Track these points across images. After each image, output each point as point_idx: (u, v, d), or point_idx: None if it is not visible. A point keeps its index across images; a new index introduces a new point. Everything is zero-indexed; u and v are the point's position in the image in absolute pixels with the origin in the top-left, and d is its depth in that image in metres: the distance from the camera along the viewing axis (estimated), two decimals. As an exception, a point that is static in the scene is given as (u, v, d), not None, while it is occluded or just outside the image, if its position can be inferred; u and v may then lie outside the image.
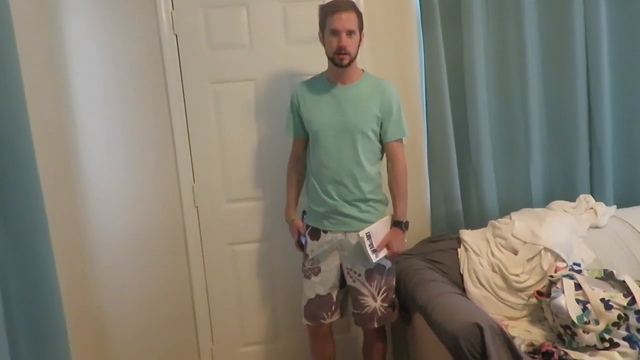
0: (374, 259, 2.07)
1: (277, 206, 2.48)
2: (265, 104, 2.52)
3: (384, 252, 2.10)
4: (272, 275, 2.63)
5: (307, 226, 2.24)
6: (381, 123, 2.11)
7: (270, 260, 2.62)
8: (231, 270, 2.61)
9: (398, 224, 2.14)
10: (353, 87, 2.11)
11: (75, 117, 2.27)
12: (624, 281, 2.03)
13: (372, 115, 2.09)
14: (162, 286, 2.54)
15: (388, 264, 2.18)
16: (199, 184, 2.53)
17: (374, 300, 2.17)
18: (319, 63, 2.19)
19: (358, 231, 2.09)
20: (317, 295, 2.20)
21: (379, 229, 2.11)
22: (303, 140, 2.25)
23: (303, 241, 2.24)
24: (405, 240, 2.18)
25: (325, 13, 2.04)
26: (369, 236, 2.07)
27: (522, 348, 1.99)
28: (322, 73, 2.19)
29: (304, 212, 2.29)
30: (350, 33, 2.01)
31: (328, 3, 2.08)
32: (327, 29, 2.03)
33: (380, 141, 2.15)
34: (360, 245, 2.09)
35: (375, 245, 2.08)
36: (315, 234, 2.19)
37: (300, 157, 2.28)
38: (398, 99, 2.13)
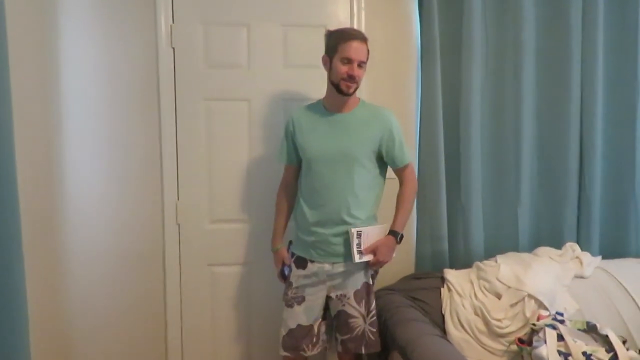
0: (357, 259, 2.03)
1: (262, 231, 2.43)
2: (258, 126, 2.48)
3: (369, 257, 2.05)
4: (250, 301, 2.56)
5: (293, 254, 2.19)
6: (385, 151, 2.09)
7: (250, 286, 2.55)
8: (208, 292, 2.53)
9: (393, 234, 2.09)
10: (350, 115, 2.10)
11: (62, 122, 2.21)
12: (607, 336, 2.00)
13: (368, 143, 2.07)
14: (135, 303, 2.46)
15: (370, 280, 2.14)
16: (183, 201, 2.47)
17: (364, 322, 2.12)
18: (316, 89, 2.18)
19: (346, 261, 2.06)
20: (299, 325, 2.13)
21: (372, 232, 2.07)
22: (295, 168, 2.22)
23: (286, 272, 2.18)
24: (395, 255, 2.12)
25: (339, 39, 2.01)
26: (359, 234, 2.03)
27: (501, 397, 1.95)
28: (319, 100, 2.17)
29: (290, 242, 2.24)
30: (361, 64, 2.01)
31: (341, 30, 2.07)
32: (338, 55, 2.01)
33: (382, 171, 2.14)
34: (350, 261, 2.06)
35: (362, 247, 2.04)
36: (301, 262, 2.14)
37: (291, 185, 2.25)
38: (398, 125, 2.12)
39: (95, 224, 2.37)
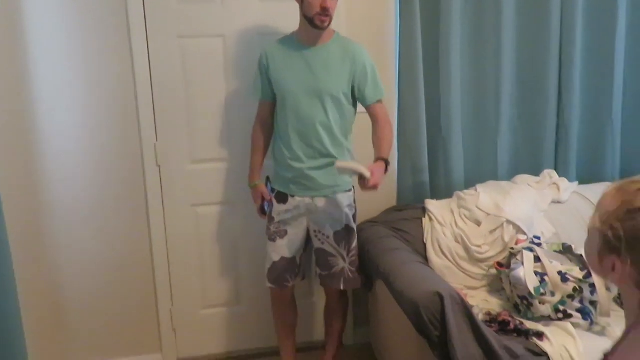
0: (359, 168, 1.87)
1: (242, 169, 2.41)
2: (234, 62, 2.43)
3: (368, 173, 1.86)
4: (235, 239, 2.59)
5: (273, 190, 2.20)
6: (357, 87, 2.07)
7: (234, 224, 2.57)
8: (193, 232, 2.55)
9: (382, 159, 1.99)
10: (323, 48, 2.06)
11: (32, 68, 2.14)
12: (581, 255, 2.07)
13: (342, 77, 2.05)
14: (121, 246, 2.47)
15: (351, 222, 2.16)
16: (162, 142, 2.44)
17: (344, 261, 2.17)
18: (293, 22, 2.11)
19: (326, 196, 2.09)
20: (282, 258, 2.18)
21: (354, 166, 1.96)
22: (270, 103, 2.19)
23: (266, 207, 2.20)
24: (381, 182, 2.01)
25: None
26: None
27: (480, 317, 2.03)
28: (292, 34, 2.13)
29: (267, 178, 2.25)
30: None
31: None
32: None
33: (354, 105, 2.12)
34: (328, 208, 2.09)
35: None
36: (282, 198, 2.16)
37: (266, 121, 2.23)
38: (371, 61, 2.10)
39: (75, 170, 2.34)
